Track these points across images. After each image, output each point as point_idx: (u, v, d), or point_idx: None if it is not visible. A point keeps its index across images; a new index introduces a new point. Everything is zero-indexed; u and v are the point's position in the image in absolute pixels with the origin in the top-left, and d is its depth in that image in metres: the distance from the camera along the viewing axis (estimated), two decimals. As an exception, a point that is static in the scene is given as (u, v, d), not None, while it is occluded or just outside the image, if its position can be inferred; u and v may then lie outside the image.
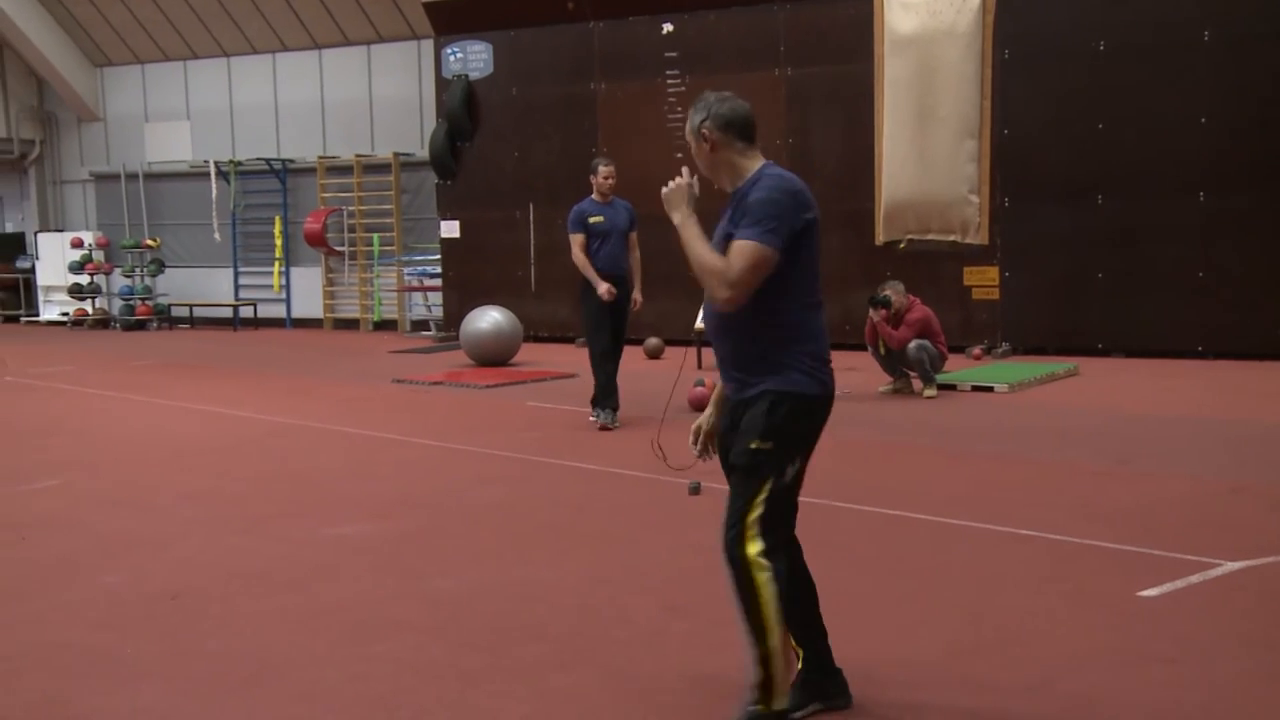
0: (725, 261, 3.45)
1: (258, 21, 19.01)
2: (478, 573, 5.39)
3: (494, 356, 13.12)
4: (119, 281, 20.24)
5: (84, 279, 20.10)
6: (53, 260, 20.57)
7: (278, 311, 19.60)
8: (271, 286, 19.55)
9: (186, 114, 20.39)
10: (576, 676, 4.09)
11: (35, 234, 21.33)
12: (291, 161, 19.20)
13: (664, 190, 3.69)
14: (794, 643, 3.71)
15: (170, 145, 20.44)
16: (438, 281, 17.17)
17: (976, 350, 12.99)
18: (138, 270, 19.84)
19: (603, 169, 9.14)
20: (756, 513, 3.48)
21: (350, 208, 18.78)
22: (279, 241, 19.33)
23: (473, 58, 16.03)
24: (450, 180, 16.30)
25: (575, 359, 13.60)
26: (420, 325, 18.08)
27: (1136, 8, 12.58)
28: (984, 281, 13.45)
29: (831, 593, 4.97)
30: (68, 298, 20.37)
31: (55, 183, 22.06)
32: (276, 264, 19.46)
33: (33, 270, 21.25)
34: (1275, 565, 5.21)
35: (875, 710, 3.77)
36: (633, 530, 6.15)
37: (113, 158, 21.12)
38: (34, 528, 6.36)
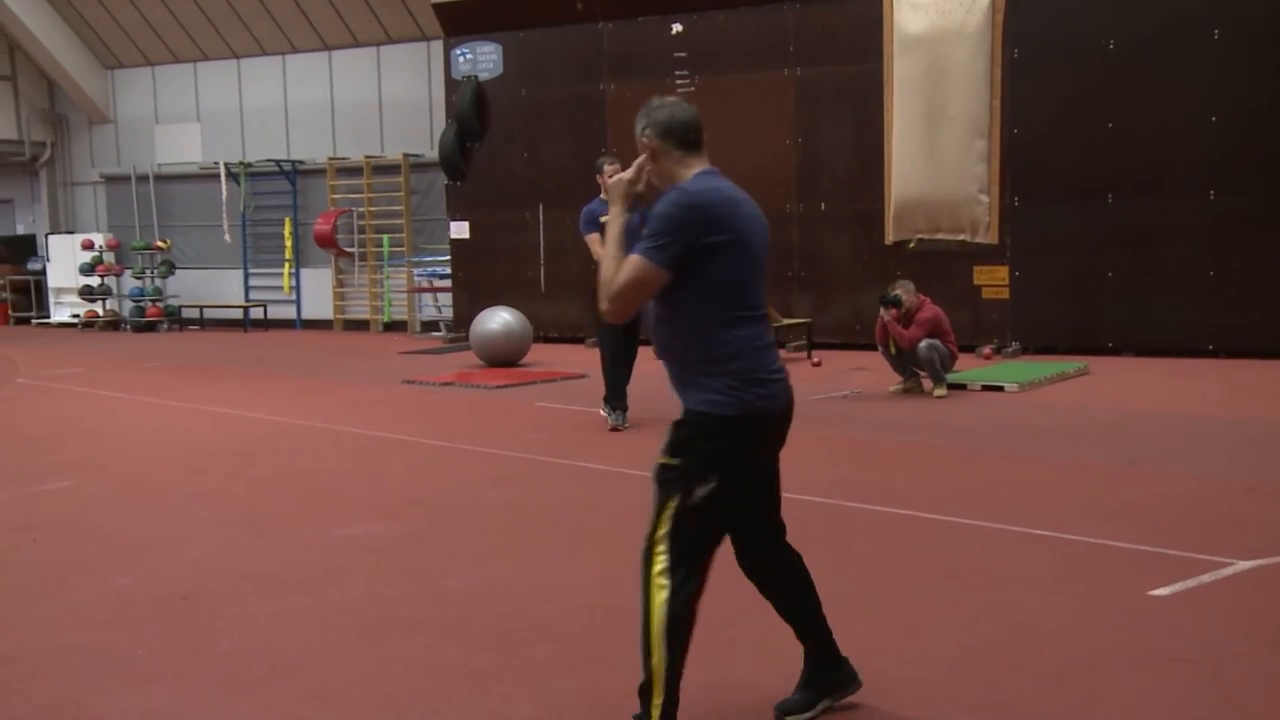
0: (614, 273, 3.35)
1: (267, 23, 19.05)
2: (488, 573, 5.39)
3: (504, 357, 13.13)
4: (129, 283, 20.31)
5: (95, 281, 20.16)
6: (63, 262, 20.64)
7: (288, 313, 19.64)
8: (281, 288, 19.59)
9: (197, 116, 20.44)
10: (587, 677, 4.09)
11: (46, 236, 21.40)
12: (301, 163, 19.24)
13: (610, 181, 3.60)
14: (798, 639, 3.72)
15: (180, 147, 20.50)
16: (447, 282, 17.19)
17: (986, 349, 12.96)
18: (148, 272, 19.89)
19: (608, 168, 9.06)
20: (662, 529, 3.37)
21: (360, 209, 18.82)
22: (289, 243, 19.37)
23: (482, 59, 16.04)
24: (460, 181, 16.31)
25: (585, 359, 13.60)
26: (430, 326, 18.10)
27: (1146, 7, 12.55)
28: (994, 281, 13.43)
29: (842, 592, 4.97)
30: (78, 299, 20.43)
31: (66, 185, 22.13)
32: (286, 265, 19.49)
33: (44, 272, 21.32)
34: (1288, 565, 5.19)
35: (887, 710, 3.77)
36: (642, 530, 6.14)
37: (123, 159, 21.18)
38: (45, 529, 6.38)
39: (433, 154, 17.13)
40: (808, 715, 3.67)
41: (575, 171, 15.34)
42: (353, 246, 18.87)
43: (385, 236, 18.61)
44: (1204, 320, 12.49)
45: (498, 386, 11.70)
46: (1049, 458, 7.71)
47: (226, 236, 19.71)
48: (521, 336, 13.27)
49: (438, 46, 17.02)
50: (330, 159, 18.97)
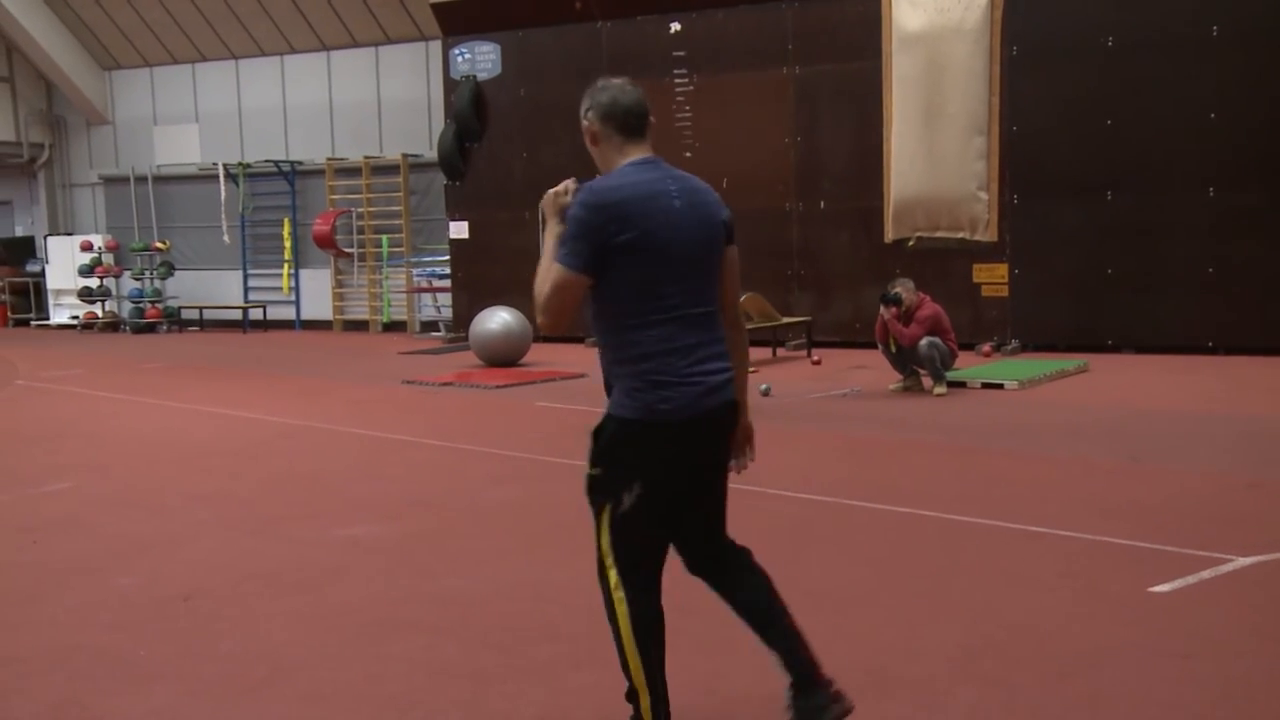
0: (542, 283, 3.19)
1: (265, 24, 19.04)
2: (490, 573, 5.39)
3: (503, 357, 13.13)
4: (128, 284, 20.32)
5: (94, 282, 20.16)
6: (62, 264, 20.64)
7: (287, 313, 19.63)
8: (281, 288, 19.59)
9: (195, 117, 20.44)
10: (590, 676, 4.09)
11: (45, 237, 21.40)
12: (300, 163, 19.24)
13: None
14: (782, 667, 3.46)
15: (179, 148, 20.50)
16: (447, 282, 17.19)
17: (986, 347, 12.96)
18: (147, 273, 19.89)
19: None
20: (605, 540, 3.29)
21: (359, 209, 18.81)
22: (288, 243, 19.37)
23: (481, 58, 16.04)
24: (459, 181, 16.32)
25: (584, 359, 13.60)
26: (429, 326, 18.11)
27: (1145, 4, 12.55)
28: (993, 278, 13.43)
29: (842, 590, 4.98)
30: (78, 301, 20.44)
31: (64, 186, 22.13)
32: (285, 266, 19.49)
33: (43, 274, 21.33)
34: (1289, 561, 5.19)
35: (888, 708, 3.76)
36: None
37: (122, 161, 21.17)
38: (46, 531, 6.38)
39: (432, 154, 17.13)
40: None
41: (574, 171, 15.20)
42: (352, 247, 18.86)
43: (384, 237, 18.61)
44: (1204, 317, 12.50)
45: (497, 386, 11.69)
46: (1049, 455, 7.71)
47: (225, 237, 19.71)
48: (521, 336, 13.27)
49: (436, 46, 17.03)
50: (329, 159, 18.97)
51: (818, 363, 12.70)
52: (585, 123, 3.34)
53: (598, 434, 3.28)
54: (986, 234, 13.39)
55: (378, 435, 9.18)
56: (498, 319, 13.25)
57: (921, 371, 10.52)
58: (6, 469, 8.20)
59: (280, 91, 19.59)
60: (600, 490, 3.28)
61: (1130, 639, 4.28)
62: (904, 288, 10.44)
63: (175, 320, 20.14)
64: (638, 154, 3.27)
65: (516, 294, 15.19)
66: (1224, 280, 12.40)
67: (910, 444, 8.27)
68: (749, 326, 14.12)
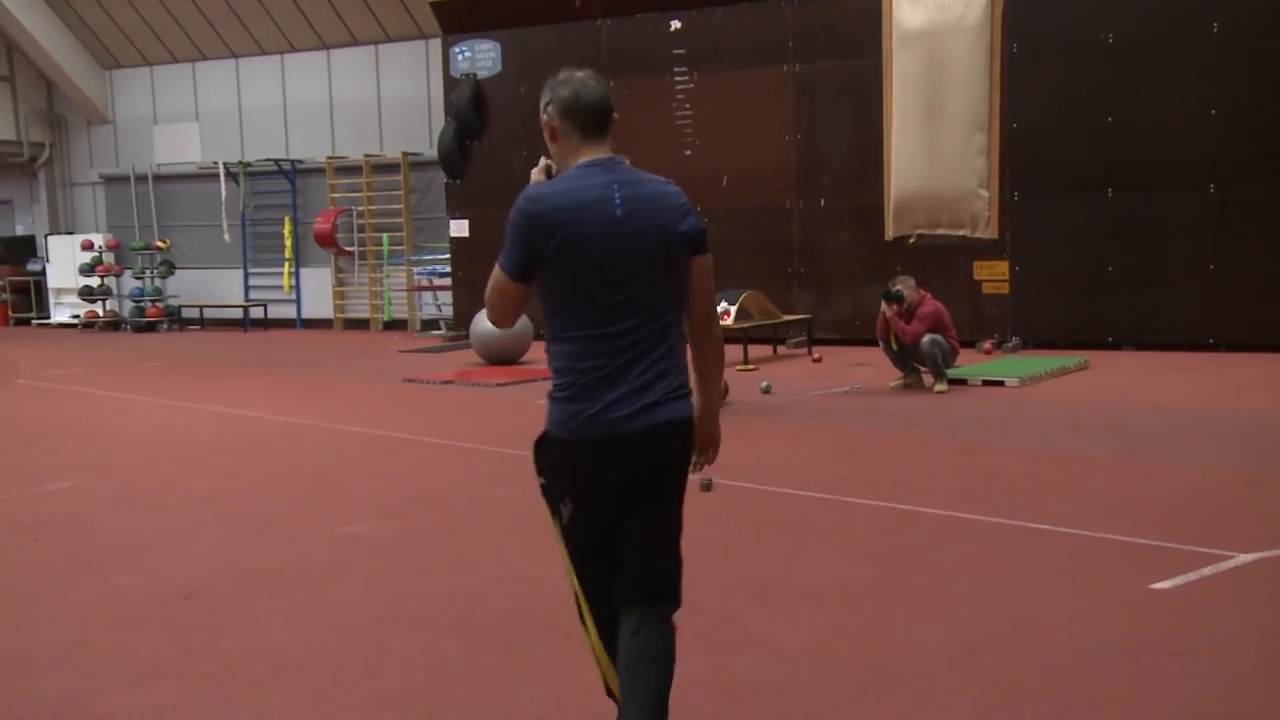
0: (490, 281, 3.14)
1: (266, 23, 19.04)
2: (490, 571, 5.39)
3: (504, 355, 13.13)
4: (129, 283, 20.32)
5: (94, 281, 20.17)
6: (63, 263, 20.65)
7: (288, 312, 19.64)
8: (281, 287, 19.59)
9: (195, 115, 20.44)
10: (590, 675, 4.08)
11: (45, 236, 21.41)
12: (300, 162, 19.24)
13: None
14: None
15: (179, 147, 20.50)
16: (447, 281, 17.19)
17: (987, 344, 12.96)
18: (148, 272, 19.90)
19: None
20: (561, 547, 3.22)
21: (359, 208, 18.82)
22: (288, 242, 19.37)
23: (481, 56, 16.04)
24: (459, 179, 16.31)
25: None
26: (430, 324, 18.11)
27: (1145, 1, 12.54)
28: (994, 276, 13.43)
29: (843, 587, 4.98)
30: (78, 300, 20.44)
31: (65, 185, 22.13)
32: (286, 264, 19.50)
33: (43, 273, 21.33)
34: (1289, 557, 5.19)
35: (888, 705, 3.76)
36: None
37: (122, 160, 21.17)
38: (47, 529, 6.38)
39: (432, 152, 17.12)
40: None
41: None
42: (352, 245, 18.86)
43: (385, 235, 18.61)
44: (1205, 314, 12.49)
45: (498, 384, 11.70)
46: (1050, 452, 7.71)
47: (226, 236, 19.71)
48: (522, 334, 13.26)
49: (436, 45, 17.02)
50: (329, 158, 18.97)
51: (818, 360, 12.70)
52: (544, 117, 3.13)
53: (538, 444, 3.18)
54: (987, 231, 13.38)
55: (378, 434, 9.18)
56: (498, 317, 13.23)
57: (922, 369, 10.51)
58: (8, 468, 8.20)
59: (280, 90, 19.59)
60: (546, 499, 3.21)
61: (1131, 636, 4.28)
62: (905, 285, 10.44)
63: (176, 319, 20.14)
64: (592, 155, 3.09)
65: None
66: (1224, 277, 12.40)
67: (911, 441, 8.27)
68: (748, 324, 14.01)
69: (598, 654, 3.26)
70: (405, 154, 18.22)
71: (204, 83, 20.26)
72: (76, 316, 20.66)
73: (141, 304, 19.91)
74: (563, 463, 3.09)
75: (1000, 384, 10.58)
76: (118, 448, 8.95)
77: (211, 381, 12.73)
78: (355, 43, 18.71)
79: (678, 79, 14.82)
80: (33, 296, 21.75)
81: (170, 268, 19.88)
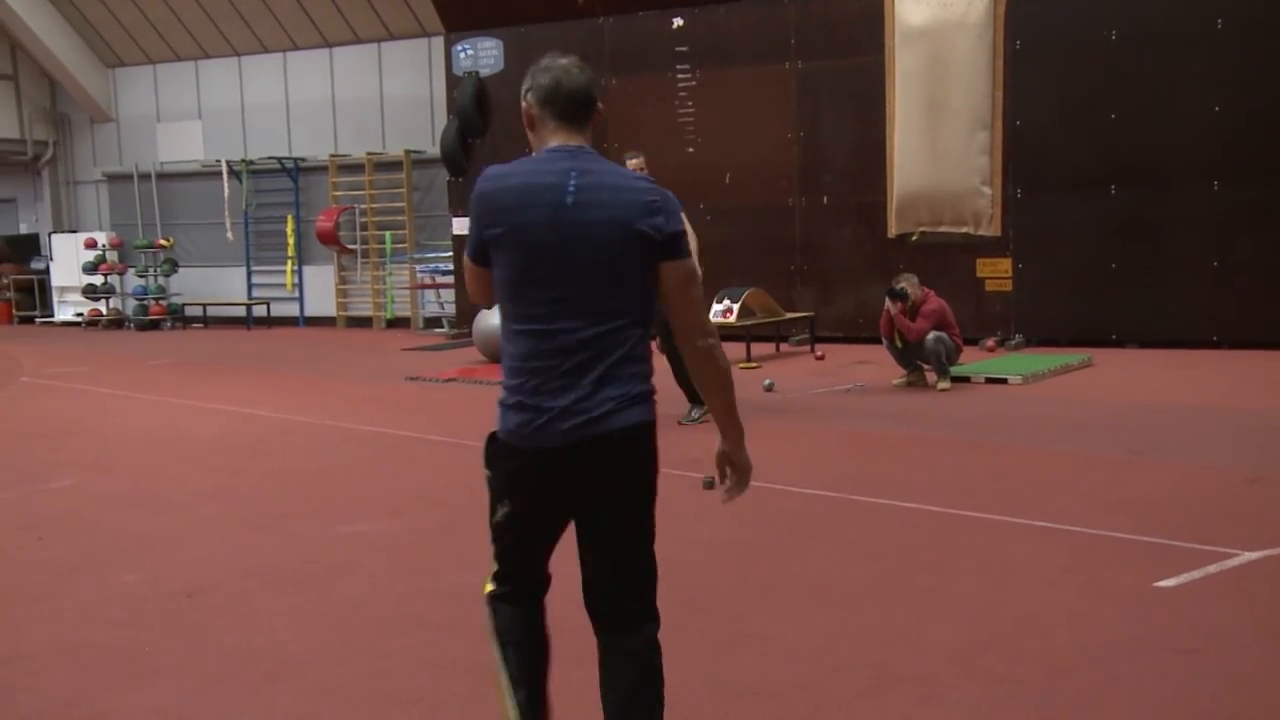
0: None
1: (268, 20, 19.04)
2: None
3: (507, 353, 13.12)
4: (133, 281, 20.33)
5: (98, 279, 20.19)
6: (67, 261, 20.67)
7: (291, 310, 19.65)
8: (284, 285, 19.61)
9: (198, 113, 20.45)
10: (593, 672, 4.09)
11: (49, 235, 21.43)
12: (303, 160, 19.25)
13: None
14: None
15: (182, 145, 20.51)
16: (450, 278, 17.19)
17: (990, 342, 12.96)
18: (151, 270, 19.91)
19: (630, 161, 8.91)
20: (490, 544, 3.06)
21: (362, 206, 18.82)
22: (291, 240, 19.38)
23: (483, 54, 16.04)
24: (462, 177, 16.31)
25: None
26: (433, 322, 18.12)
27: (1148, -3, 12.53)
28: (997, 273, 13.42)
29: (846, 585, 4.98)
30: (82, 298, 20.46)
31: (69, 183, 22.15)
32: (289, 262, 19.51)
33: (47, 271, 21.35)
34: (1293, 555, 5.19)
35: (892, 703, 3.76)
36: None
37: (125, 158, 21.19)
38: (51, 527, 6.39)
39: (434, 150, 17.12)
40: None
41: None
42: (355, 243, 18.87)
43: (387, 233, 18.61)
44: (1208, 312, 12.48)
45: (500, 383, 11.69)
46: (1053, 450, 7.70)
47: (229, 234, 19.72)
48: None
49: (439, 43, 17.02)
50: (332, 156, 18.97)
51: (821, 358, 12.70)
52: (524, 104, 3.02)
53: (490, 437, 3.02)
54: (990, 229, 13.34)
55: (381, 431, 9.19)
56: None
57: (925, 367, 10.51)
58: (11, 466, 8.22)
59: (283, 88, 19.60)
60: (489, 491, 3.04)
61: (1135, 634, 4.28)
62: (909, 283, 10.45)
63: (179, 317, 20.16)
64: (558, 140, 2.93)
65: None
66: (1228, 275, 12.39)
67: (914, 439, 8.26)
68: (751, 322, 13.97)
69: (493, 652, 3.08)
70: (408, 152, 18.22)
71: (207, 81, 20.27)
72: (80, 315, 20.68)
73: (145, 302, 19.93)
74: (504, 465, 2.94)
75: (1003, 382, 10.58)
76: (121, 446, 8.96)
77: (214, 380, 12.74)
78: (358, 40, 18.72)
79: (680, 76, 14.81)
80: (36, 295, 21.78)
81: (173, 266, 19.90)
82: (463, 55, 16.15)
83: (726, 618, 4.59)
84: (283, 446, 8.80)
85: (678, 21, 14.81)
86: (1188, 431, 8.25)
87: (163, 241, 19.94)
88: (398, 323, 18.57)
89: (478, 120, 15.99)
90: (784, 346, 13.79)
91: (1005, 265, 13.36)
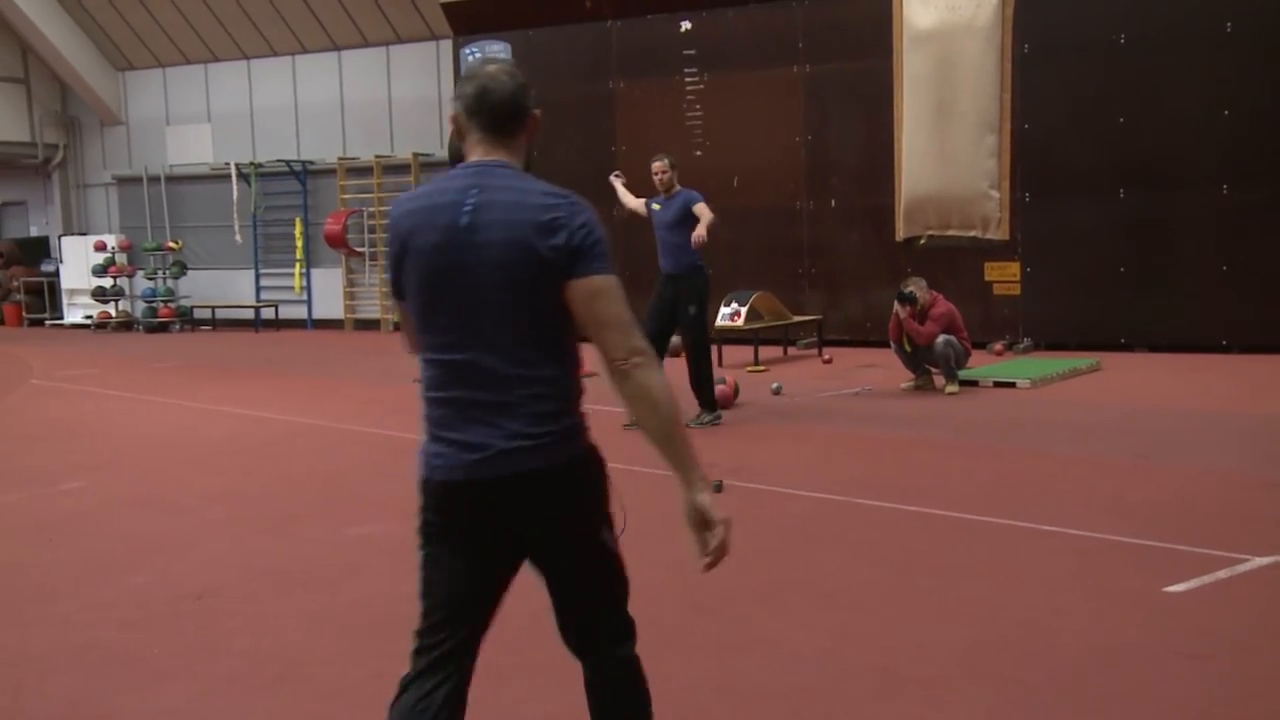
0: None
1: (277, 24, 19.09)
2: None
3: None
4: (141, 284, 20.38)
5: (107, 282, 20.23)
6: (76, 263, 20.72)
7: (299, 313, 19.68)
8: (293, 288, 19.63)
9: (207, 117, 20.49)
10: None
11: (59, 237, 21.49)
12: (311, 163, 19.28)
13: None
14: None
15: (191, 148, 20.56)
16: (458, 281, 17.19)
17: (998, 346, 12.93)
18: (160, 272, 19.96)
19: (653, 164, 8.95)
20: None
21: (370, 209, 18.84)
22: (299, 243, 19.41)
23: (491, 57, 16.06)
24: (470, 180, 16.33)
25: (595, 357, 13.61)
26: (441, 325, 18.11)
27: (1157, 0, 12.50)
28: (1005, 277, 13.40)
29: (854, 589, 4.97)
30: (91, 300, 20.52)
31: (78, 186, 22.21)
32: (297, 265, 19.53)
33: (57, 274, 21.41)
34: (1303, 560, 5.17)
35: (899, 707, 3.76)
36: (655, 528, 6.14)
37: (135, 161, 21.24)
38: (60, 529, 6.40)
39: (442, 153, 17.11)
40: None
41: (585, 170, 15.30)
42: (363, 246, 18.89)
43: (396, 236, 18.62)
44: (1217, 315, 12.44)
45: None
46: (1061, 454, 7.69)
47: (237, 237, 19.75)
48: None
49: (447, 46, 17.05)
50: (340, 159, 19.00)
51: (829, 361, 12.69)
52: (452, 113, 2.77)
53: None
54: (998, 232, 13.36)
55: (389, 434, 9.20)
56: (509, 318, 13.24)
57: (934, 370, 10.50)
58: (21, 468, 8.24)
59: (292, 91, 19.64)
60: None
61: (1143, 639, 4.27)
62: (918, 286, 10.43)
63: (188, 320, 20.20)
64: (478, 154, 2.69)
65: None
66: (1238, 278, 12.35)
67: (922, 443, 8.25)
68: (759, 325, 13.91)
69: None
70: (416, 155, 18.24)
71: (216, 84, 20.32)
72: (89, 317, 20.73)
73: (154, 305, 19.97)
74: (425, 502, 2.76)
75: (1011, 385, 10.56)
76: (130, 448, 8.98)
77: (223, 382, 12.76)
78: (366, 44, 18.75)
79: (688, 80, 14.82)
80: (46, 297, 21.83)
81: (182, 268, 19.94)
82: (471, 58, 16.17)
83: (734, 621, 4.59)
84: (291, 449, 8.81)
85: (685, 25, 14.82)
86: (1197, 435, 8.23)
87: (171, 244, 19.98)
88: (406, 325, 18.58)
89: (486, 123, 16.01)
90: (792, 350, 13.78)
91: (1013, 269, 13.34)
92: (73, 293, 21.08)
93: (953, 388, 10.29)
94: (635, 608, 4.50)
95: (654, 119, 14.90)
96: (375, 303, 19.08)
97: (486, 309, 2.58)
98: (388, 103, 18.75)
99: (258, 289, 19.95)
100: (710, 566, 2.74)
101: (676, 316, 8.87)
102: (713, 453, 7.76)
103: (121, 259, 20.34)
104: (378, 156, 18.66)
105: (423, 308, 2.64)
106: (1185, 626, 4.38)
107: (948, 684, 3.92)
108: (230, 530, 6.31)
